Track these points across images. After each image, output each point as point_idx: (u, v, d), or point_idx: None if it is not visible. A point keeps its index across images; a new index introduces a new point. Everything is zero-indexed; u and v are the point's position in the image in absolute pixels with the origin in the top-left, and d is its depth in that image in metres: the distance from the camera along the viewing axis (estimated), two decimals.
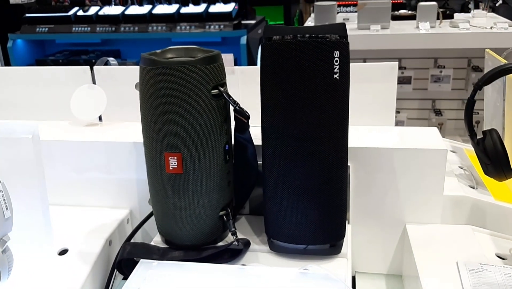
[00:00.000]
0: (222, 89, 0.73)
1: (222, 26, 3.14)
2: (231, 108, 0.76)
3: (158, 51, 0.77)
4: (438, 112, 2.62)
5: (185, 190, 0.74)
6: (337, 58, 0.67)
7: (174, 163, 0.73)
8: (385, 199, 0.88)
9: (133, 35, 3.25)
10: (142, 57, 0.73)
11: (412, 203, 0.87)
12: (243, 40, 3.08)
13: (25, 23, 3.43)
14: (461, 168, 1.05)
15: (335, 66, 0.68)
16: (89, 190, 0.97)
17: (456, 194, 0.90)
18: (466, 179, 1.00)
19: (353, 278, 0.92)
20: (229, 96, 0.74)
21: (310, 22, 2.69)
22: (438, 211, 0.87)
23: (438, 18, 2.38)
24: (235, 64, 1.03)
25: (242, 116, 0.75)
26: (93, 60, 3.25)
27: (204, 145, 0.73)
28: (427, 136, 0.90)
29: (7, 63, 3.56)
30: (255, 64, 3.37)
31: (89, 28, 3.30)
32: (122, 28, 3.26)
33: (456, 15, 2.61)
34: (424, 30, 2.25)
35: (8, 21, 3.57)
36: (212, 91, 0.72)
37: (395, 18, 2.59)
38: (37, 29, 3.38)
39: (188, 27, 3.18)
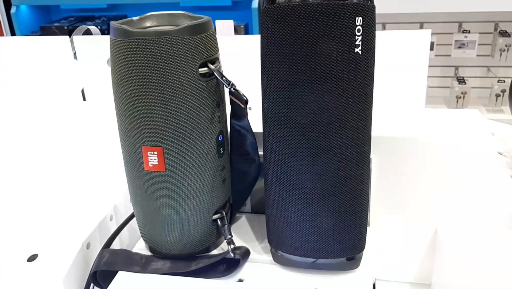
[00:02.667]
0: (212, 66, 0.58)
1: None
2: (226, 90, 0.61)
3: (135, 18, 0.62)
4: (461, 80, 2.47)
5: (169, 191, 0.61)
6: (359, 27, 0.52)
7: (154, 159, 0.59)
8: (413, 197, 0.73)
9: None
10: (111, 26, 0.58)
11: (446, 202, 0.73)
12: (254, 3, 2.87)
13: None
14: (500, 154, 0.89)
15: (357, 38, 0.52)
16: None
17: None
18: (508, 168, 0.85)
19: (373, 287, 0.78)
20: (222, 75, 0.59)
21: None
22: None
23: None
24: (245, 32, 0.86)
25: (239, 100, 0.61)
26: (99, 27, 3.13)
27: (191, 136, 0.59)
28: (467, 122, 0.74)
29: (12, 31, 3.42)
30: None
31: None
32: None
33: None
34: None
35: None
36: (200, 69, 0.57)
37: None
38: None
39: None
